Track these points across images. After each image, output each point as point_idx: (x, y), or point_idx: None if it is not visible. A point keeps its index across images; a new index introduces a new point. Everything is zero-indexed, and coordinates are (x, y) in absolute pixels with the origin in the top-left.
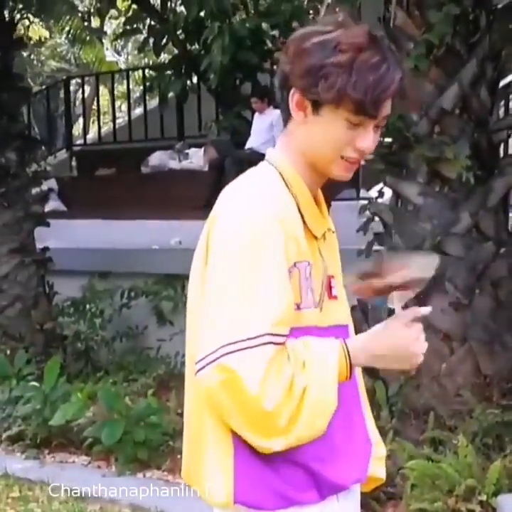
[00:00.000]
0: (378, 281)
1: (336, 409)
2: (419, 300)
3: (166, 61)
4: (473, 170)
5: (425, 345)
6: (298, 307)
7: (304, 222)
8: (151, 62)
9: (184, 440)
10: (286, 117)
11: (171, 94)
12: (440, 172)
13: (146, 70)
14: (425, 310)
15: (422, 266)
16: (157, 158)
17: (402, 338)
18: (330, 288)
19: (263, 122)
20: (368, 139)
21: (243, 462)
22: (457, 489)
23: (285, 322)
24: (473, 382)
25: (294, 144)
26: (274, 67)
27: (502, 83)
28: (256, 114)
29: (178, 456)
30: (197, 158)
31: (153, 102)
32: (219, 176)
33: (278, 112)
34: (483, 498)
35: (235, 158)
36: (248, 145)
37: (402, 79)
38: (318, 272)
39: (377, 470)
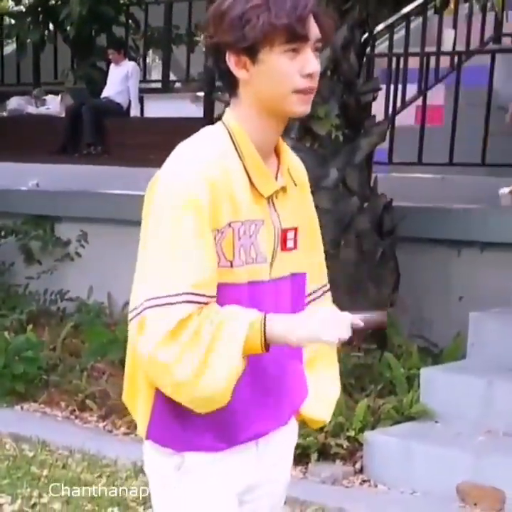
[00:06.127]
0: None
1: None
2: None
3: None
4: (341, 129)
5: (345, 333)
6: (231, 265)
7: (252, 181)
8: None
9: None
10: (231, 87)
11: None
12: (311, 129)
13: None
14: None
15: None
16: (15, 103)
17: (331, 316)
18: (284, 241)
19: (119, 73)
20: (312, 62)
21: (161, 404)
22: (327, 426)
23: (207, 283)
24: None
25: (246, 100)
26: (130, 21)
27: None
28: (112, 65)
29: (53, 390)
30: (54, 105)
31: (8, 48)
32: (75, 122)
33: (133, 63)
34: (351, 434)
35: (91, 106)
36: (104, 94)
37: None
38: (269, 229)
39: (318, 411)
